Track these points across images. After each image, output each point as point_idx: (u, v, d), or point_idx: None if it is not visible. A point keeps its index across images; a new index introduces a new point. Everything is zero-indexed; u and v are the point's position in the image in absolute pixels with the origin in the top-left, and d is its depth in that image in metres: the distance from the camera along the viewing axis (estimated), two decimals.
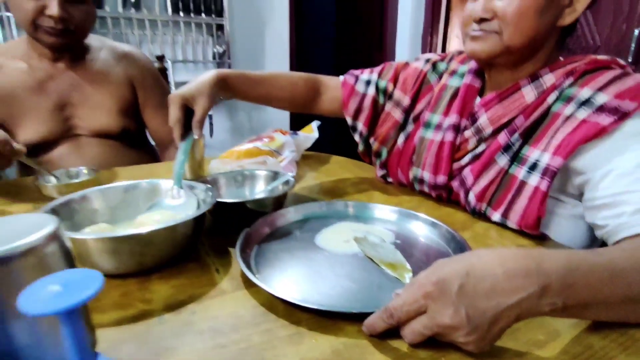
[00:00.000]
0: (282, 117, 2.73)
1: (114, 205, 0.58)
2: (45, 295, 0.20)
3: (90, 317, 0.33)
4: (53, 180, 0.76)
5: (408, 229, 0.61)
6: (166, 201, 0.59)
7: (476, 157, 0.66)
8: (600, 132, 0.51)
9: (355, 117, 0.83)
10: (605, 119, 0.51)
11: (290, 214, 0.63)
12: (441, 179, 0.71)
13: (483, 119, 0.65)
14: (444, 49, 2.67)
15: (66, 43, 0.92)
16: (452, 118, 0.69)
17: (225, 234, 0.60)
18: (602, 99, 0.53)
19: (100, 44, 1.04)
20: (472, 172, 0.65)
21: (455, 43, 2.68)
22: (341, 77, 0.85)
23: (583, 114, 0.54)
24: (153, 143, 1.18)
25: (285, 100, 0.82)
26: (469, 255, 0.37)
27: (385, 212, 0.65)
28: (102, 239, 0.43)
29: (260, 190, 0.73)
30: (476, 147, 0.67)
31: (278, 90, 0.80)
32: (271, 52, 2.57)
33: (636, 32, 1.44)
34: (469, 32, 0.62)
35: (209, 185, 0.60)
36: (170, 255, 0.49)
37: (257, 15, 2.45)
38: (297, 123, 2.89)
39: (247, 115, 2.59)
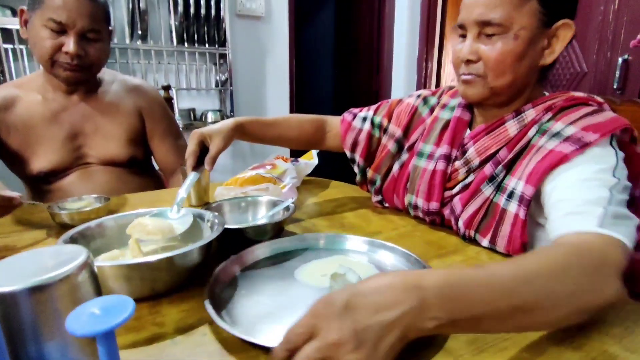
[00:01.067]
0: None
1: (125, 232, 0.62)
2: (86, 319, 0.24)
3: None
4: (65, 207, 0.80)
5: (385, 265, 0.61)
6: (168, 214, 0.64)
7: (465, 187, 0.71)
8: (563, 159, 0.56)
9: (353, 149, 0.89)
10: (568, 148, 0.56)
11: (269, 247, 0.63)
12: (434, 205, 0.75)
13: (471, 151, 0.70)
14: (439, 74, 2.76)
15: (81, 78, 0.97)
16: (444, 149, 0.74)
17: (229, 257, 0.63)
18: (570, 131, 0.57)
19: (112, 78, 1.10)
20: (461, 200, 0.70)
21: (449, 69, 2.78)
22: (342, 115, 0.93)
23: (552, 144, 0.58)
24: (158, 169, 1.23)
25: (294, 139, 0.90)
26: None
27: (372, 246, 0.64)
28: (116, 267, 0.47)
29: (262, 216, 0.77)
30: (465, 177, 0.71)
31: (288, 131, 0.88)
32: (272, 80, 2.65)
33: (620, 60, 1.51)
34: (460, 76, 0.67)
35: (217, 213, 0.63)
36: (181, 280, 0.53)
37: (258, 44, 2.55)
38: (297, 150, 2.95)
39: None
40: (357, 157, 0.89)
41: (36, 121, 0.98)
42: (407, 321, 0.34)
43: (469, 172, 0.71)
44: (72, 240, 0.54)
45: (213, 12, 2.18)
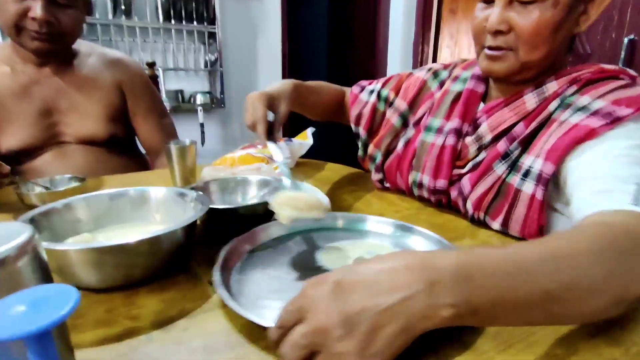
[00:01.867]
0: None
1: (99, 214, 0.55)
2: (9, 318, 0.17)
3: (68, 338, 0.29)
4: (36, 188, 0.72)
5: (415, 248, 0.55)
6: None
7: (476, 166, 0.65)
8: (590, 134, 0.50)
9: (357, 122, 0.84)
10: (596, 122, 0.50)
11: (284, 226, 0.57)
12: (441, 183, 0.69)
13: (484, 126, 0.64)
14: (435, 58, 2.69)
15: (51, 49, 0.88)
16: (454, 122, 0.68)
17: (217, 242, 0.57)
18: (598, 104, 0.52)
19: (90, 50, 1.01)
20: (470, 180, 0.64)
21: (445, 53, 2.71)
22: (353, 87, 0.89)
23: (576, 118, 0.53)
24: (143, 150, 1.15)
25: (327, 109, 0.87)
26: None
27: (392, 228, 0.59)
28: (85, 250, 0.40)
29: (252, 196, 0.70)
30: (476, 155, 0.65)
31: (324, 99, 0.86)
32: (263, 60, 2.55)
33: (625, 40, 1.46)
34: (485, 50, 0.59)
35: (200, 192, 0.57)
36: (160, 266, 0.46)
37: (250, 23, 2.44)
38: (290, 129, 2.87)
39: (239, 123, 2.56)
40: (361, 131, 0.84)
41: (3, 95, 0.89)
42: (412, 308, 0.28)
43: (480, 150, 0.65)
44: (33, 222, 0.47)
45: None
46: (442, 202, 0.72)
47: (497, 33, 0.57)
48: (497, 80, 0.64)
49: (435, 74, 0.78)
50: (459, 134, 0.67)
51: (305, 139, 1.02)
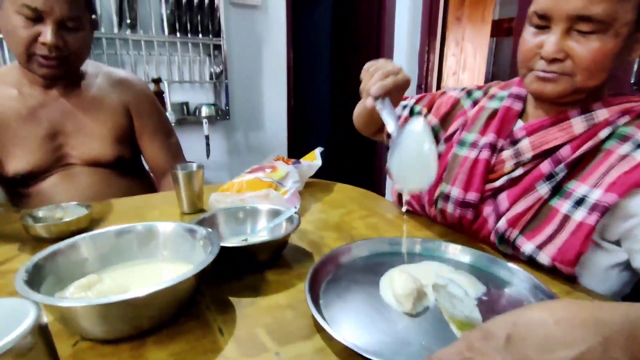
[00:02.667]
0: (280, 137, 2.70)
1: (105, 252, 0.53)
2: None
3: None
4: (41, 218, 0.71)
5: (501, 282, 0.54)
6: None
7: (513, 182, 0.64)
8: None
9: (389, 135, 0.82)
10: None
11: (356, 250, 0.60)
12: (472, 196, 0.68)
13: (524, 143, 0.63)
14: (440, 67, 2.67)
15: (60, 73, 0.87)
16: (489, 137, 0.68)
17: (226, 279, 0.55)
18: None
19: (96, 70, 1.00)
20: (509, 197, 0.63)
21: (451, 61, 2.69)
22: None
23: None
24: (147, 169, 1.13)
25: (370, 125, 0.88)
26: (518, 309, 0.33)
27: (469, 256, 0.60)
28: (90, 307, 0.38)
29: (262, 227, 0.68)
30: (513, 170, 0.64)
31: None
32: (268, 71, 2.55)
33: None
34: (537, 73, 0.58)
35: (210, 229, 0.55)
36: (170, 315, 0.44)
37: (254, 34, 2.44)
38: (295, 144, 2.86)
39: (244, 135, 2.55)
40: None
41: (11, 118, 0.88)
42: None
43: (517, 165, 0.64)
44: (36, 268, 0.45)
45: (207, 0, 2.07)
46: (464, 221, 0.70)
47: (553, 60, 0.56)
48: (544, 101, 0.63)
49: (469, 93, 0.79)
50: (493, 148, 0.67)
51: (314, 159, 1.00)
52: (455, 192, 0.70)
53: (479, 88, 0.80)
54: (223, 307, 0.49)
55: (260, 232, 0.67)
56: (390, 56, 2.74)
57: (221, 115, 2.30)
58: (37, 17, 0.80)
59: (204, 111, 2.23)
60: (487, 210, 0.66)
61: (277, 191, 0.80)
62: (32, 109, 0.90)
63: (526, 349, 0.28)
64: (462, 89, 0.81)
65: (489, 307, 0.48)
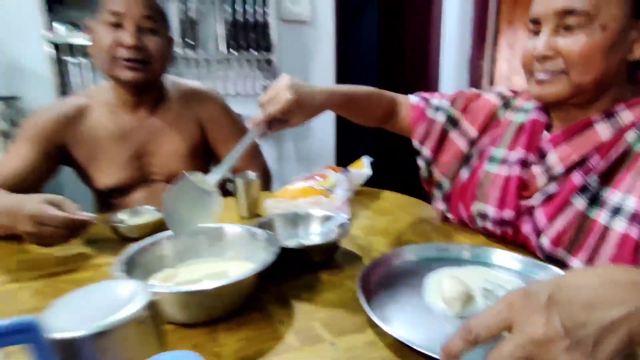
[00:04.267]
0: (327, 146, 2.76)
1: (180, 249, 0.61)
2: None
3: None
4: (125, 220, 0.81)
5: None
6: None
7: (548, 198, 0.63)
8: None
9: (422, 141, 0.82)
10: None
11: (405, 254, 0.63)
12: (508, 214, 0.68)
13: (552, 157, 0.63)
14: (491, 74, 2.61)
15: (142, 78, 0.93)
16: (519, 153, 0.68)
17: (284, 278, 0.60)
18: None
19: (172, 86, 1.07)
20: (545, 213, 0.62)
21: (503, 67, 2.61)
22: (411, 97, 0.85)
23: None
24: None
25: (371, 115, 0.83)
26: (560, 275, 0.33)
27: (516, 262, 0.61)
28: (175, 294, 0.45)
29: (315, 232, 0.73)
30: (546, 185, 0.64)
31: (370, 107, 0.82)
32: (316, 82, 2.63)
33: None
34: (535, 75, 0.60)
35: (270, 232, 0.61)
36: (237, 306, 0.50)
37: (303, 48, 2.55)
38: (343, 152, 2.92)
39: (293, 144, 2.65)
40: (425, 150, 0.82)
41: (103, 137, 0.98)
42: (634, 322, 0.28)
43: (550, 180, 0.63)
44: (128, 260, 0.53)
45: (260, 18, 2.20)
46: (508, 235, 0.70)
47: (544, 59, 0.58)
48: (554, 106, 0.63)
49: (506, 103, 0.76)
50: (524, 164, 0.67)
51: (362, 168, 1.04)
52: (491, 210, 0.70)
53: (515, 94, 0.77)
54: (282, 302, 0.54)
55: (314, 236, 0.72)
56: (438, 63, 2.72)
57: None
58: (118, 23, 0.89)
59: None
60: (526, 227, 0.66)
61: (327, 198, 0.85)
62: (122, 129, 0.99)
63: (571, 308, 0.28)
64: (499, 94, 0.78)
65: None
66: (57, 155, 0.96)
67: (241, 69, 2.36)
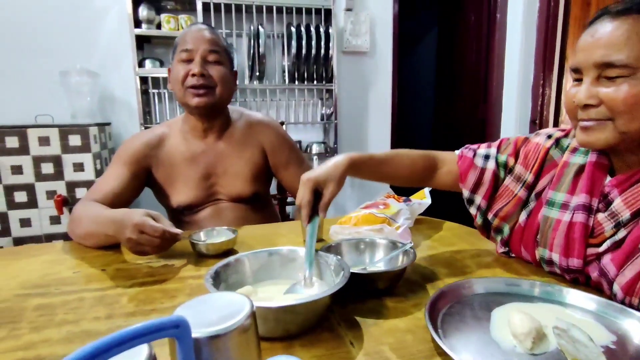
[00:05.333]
0: None
1: (257, 269, 0.67)
2: None
3: None
4: (203, 239, 0.90)
5: (634, 333, 0.52)
6: (301, 288, 0.63)
7: (616, 244, 0.61)
8: None
9: (474, 190, 0.82)
10: None
11: (473, 286, 0.64)
12: (575, 262, 0.66)
13: (617, 202, 0.61)
14: (558, 102, 2.50)
15: (209, 102, 1.06)
16: (581, 198, 0.66)
17: (351, 301, 0.63)
18: None
19: (238, 116, 1.20)
20: (614, 262, 0.60)
21: None
22: (457, 152, 0.87)
23: None
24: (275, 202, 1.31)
25: (405, 177, 0.84)
26: None
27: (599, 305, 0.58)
28: (259, 309, 0.50)
29: (379, 258, 0.76)
30: (615, 233, 0.61)
31: (400, 169, 0.83)
32: (374, 111, 2.70)
33: None
34: (580, 124, 0.60)
35: (339, 257, 0.65)
36: (311, 324, 0.54)
37: (363, 78, 2.63)
38: (405, 187, 2.91)
39: None
40: (478, 199, 0.82)
41: (178, 160, 1.11)
42: None
43: (618, 227, 0.61)
44: (216, 274, 0.60)
45: (322, 51, 2.33)
46: (579, 280, 0.68)
47: (587, 107, 0.58)
48: (596, 150, 0.63)
49: (558, 142, 0.75)
50: (588, 210, 0.65)
51: (424, 198, 1.06)
52: (556, 258, 0.68)
53: (566, 134, 0.75)
54: (351, 325, 0.57)
55: (378, 263, 0.75)
56: (499, 92, 2.66)
57: (330, 152, 2.49)
58: (189, 59, 1.05)
59: (315, 149, 2.45)
60: (595, 274, 0.64)
61: (390, 227, 0.88)
62: (193, 153, 1.12)
63: None
64: (549, 136, 0.76)
65: (619, 357, 0.47)
66: (144, 177, 1.10)
67: (303, 98, 2.49)
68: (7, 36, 2.14)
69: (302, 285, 0.63)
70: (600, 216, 0.63)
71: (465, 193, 0.83)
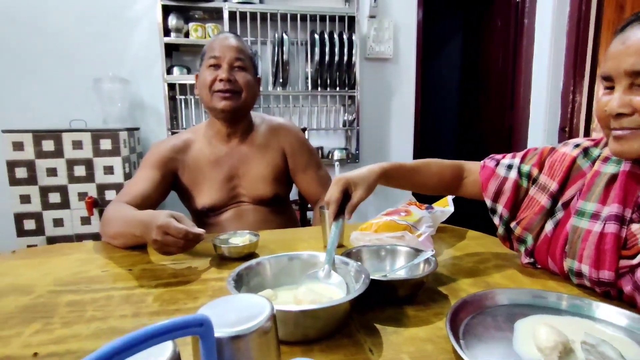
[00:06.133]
0: None
1: (277, 272, 0.68)
2: None
3: None
4: (226, 241, 0.91)
5: None
6: (320, 276, 0.65)
7: None
8: None
9: (495, 199, 0.82)
10: None
11: (497, 297, 0.63)
12: (606, 274, 0.63)
13: None
14: (589, 110, 2.41)
15: (234, 106, 1.11)
16: (613, 208, 0.63)
17: (370, 308, 0.63)
18: None
19: (261, 121, 1.24)
20: None
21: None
22: (481, 162, 0.87)
23: None
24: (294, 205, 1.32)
25: (433, 186, 0.87)
26: None
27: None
28: (282, 312, 0.51)
29: (400, 266, 0.76)
30: None
31: (428, 178, 0.86)
32: (397, 118, 2.68)
33: None
34: (612, 133, 0.59)
35: (359, 263, 0.65)
36: (330, 329, 0.54)
37: (385, 84, 2.63)
38: (432, 195, 2.88)
39: None
40: (500, 208, 0.81)
41: (203, 163, 1.15)
42: None
43: None
44: (238, 276, 0.61)
45: (345, 57, 2.34)
46: (611, 294, 0.65)
47: (619, 116, 0.57)
48: (630, 160, 0.60)
49: (586, 152, 0.73)
50: (621, 220, 0.62)
51: (446, 205, 1.04)
52: (586, 269, 0.65)
53: (595, 144, 0.73)
54: (370, 332, 0.57)
55: (399, 270, 0.74)
56: (527, 98, 2.60)
57: (351, 158, 2.49)
58: (216, 64, 1.10)
59: (336, 155, 2.45)
60: (628, 288, 0.61)
61: (412, 234, 0.87)
62: (217, 156, 1.16)
63: None
64: (576, 145, 0.75)
65: None
66: (171, 180, 1.14)
67: (325, 104, 2.50)
68: (45, 45, 2.26)
69: (321, 276, 0.64)
70: (635, 227, 0.61)
71: (488, 202, 0.83)
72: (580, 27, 2.36)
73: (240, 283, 0.61)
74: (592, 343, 0.48)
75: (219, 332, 0.33)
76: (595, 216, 0.66)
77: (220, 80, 1.09)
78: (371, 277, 0.62)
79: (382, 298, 0.66)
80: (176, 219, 0.81)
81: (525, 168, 0.80)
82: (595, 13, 2.30)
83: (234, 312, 0.35)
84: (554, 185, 0.74)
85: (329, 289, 0.63)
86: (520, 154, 0.83)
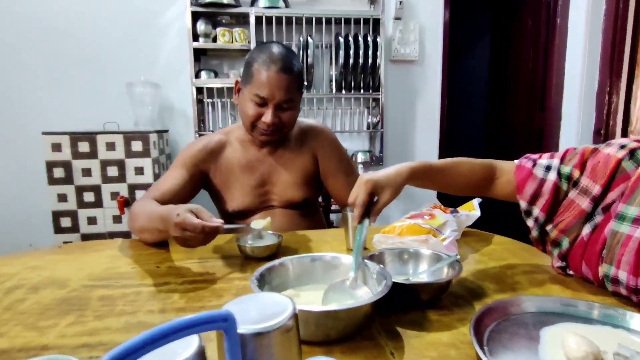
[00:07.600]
0: None
1: (300, 273, 0.68)
2: None
3: None
4: (249, 242, 0.93)
5: None
6: (347, 286, 0.63)
7: None
8: None
9: (532, 202, 0.78)
10: None
11: (524, 304, 0.61)
12: None
13: None
14: (627, 110, 2.30)
15: (273, 140, 1.12)
16: None
17: (392, 311, 0.63)
18: None
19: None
20: None
21: None
22: (516, 161, 0.83)
23: None
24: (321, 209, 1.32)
25: (463, 186, 0.83)
26: None
27: None
28: (302, 312, 0.51)
29: (423, 270, 0.75)
30: None
31: (458, 178, 0.82)
32: (422, 120, 2.65)
33: None
34: None
35: (381, 266, 0.64)
36: (351, 330, 0.55)
37: (410, 86, 2.60)
38: (455, 199, 2.83)
39: None
40: (536, 211, 0.77)
41: (235, 167, 1.16)
42: None
43: None
44: (261, 276, 0.62)
45: (370, 60, 2.33)
46: None
47: None
48: None
49: (632, 154, 0.69)
50: None
51: (472, 209, 1.02)
52: (623, 276, 0.62)
53: None
54: (391, 335, 0.57)
55: (422, 274, 0.73)
56: (558, 99, 2.51)
57: (375, 161, 2.48)
58: (263, 103, 1.05)
59: (360, 157, 2.45)
60: None
61: (436, 238, 0.86)
62: (250, 161, 1.16)
63: None
64: (622, 147, 0.70)
65: None
66: (201, 180, 1.16)
67: (349, 107, 2.50)
68: (82, 52, 2.37)
69: (348, 285, 0.63)
70: None
71: (523, 204, 0.79)
72: (618, 24, 2.26)
73: (263, 282, 0.62)
74: (627, 355, 0.46)
75: (242, 328, 0.33)
76: (637, 221, 0.63)
77: (265, 122, 1.06)
78: (393, 280, 0.62)
79: (405, 301, 0.65)
80: (194, 212, 0.81)
81: (566, 169, 0.75)
82: (634, 10, 2.19)
83: (257, 310, 0.36)
84: (597, 189, 0.71)
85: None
86: (559, 154, 0.78)
